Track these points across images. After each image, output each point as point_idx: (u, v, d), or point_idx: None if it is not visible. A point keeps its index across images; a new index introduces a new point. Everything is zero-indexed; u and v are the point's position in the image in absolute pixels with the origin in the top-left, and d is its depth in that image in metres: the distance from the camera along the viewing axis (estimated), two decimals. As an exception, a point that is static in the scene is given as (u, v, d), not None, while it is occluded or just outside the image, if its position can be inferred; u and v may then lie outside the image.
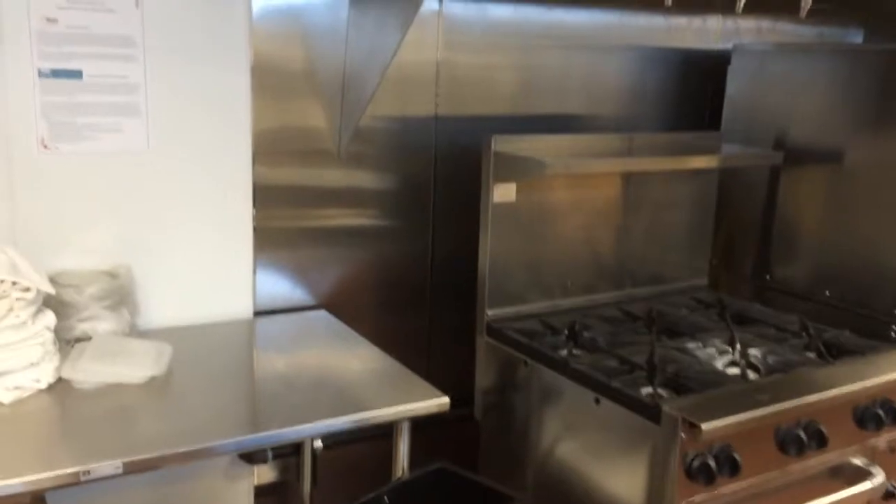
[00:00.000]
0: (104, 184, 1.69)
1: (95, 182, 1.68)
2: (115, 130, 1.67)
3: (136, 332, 1.69)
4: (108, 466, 1.22)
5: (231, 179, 1.82)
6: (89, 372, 1.44)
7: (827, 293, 2.08)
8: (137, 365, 1.48)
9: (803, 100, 2.13)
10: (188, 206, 1.78)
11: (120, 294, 1.62)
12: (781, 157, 2.12)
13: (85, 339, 1.56)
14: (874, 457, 1.76)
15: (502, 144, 1.89)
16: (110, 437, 1.30)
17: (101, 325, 1.58)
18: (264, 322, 1.89)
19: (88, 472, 1.20)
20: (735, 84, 2.30)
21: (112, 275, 1.64)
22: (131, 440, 1.29)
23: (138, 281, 1.72)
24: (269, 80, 1.84)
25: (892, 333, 1.93)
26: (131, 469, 1.23)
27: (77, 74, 1.63)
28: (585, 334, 1.88)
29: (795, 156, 2.13)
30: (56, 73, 1.61)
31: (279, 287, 1.95)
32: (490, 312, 1.95)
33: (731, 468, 1.50)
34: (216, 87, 1.76)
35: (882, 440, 1.77)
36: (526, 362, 1.81)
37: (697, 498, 1.51)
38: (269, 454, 1.89)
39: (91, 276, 1.62)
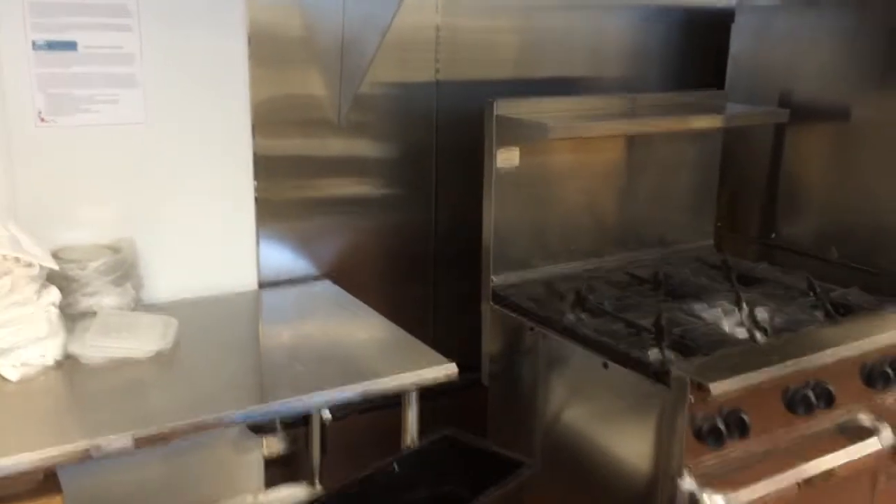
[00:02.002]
0: (103, 157, 1.67)
1: (94, 155, 1.67)
2: (111, 102, 1.65)
3: (140, 306, 1.68)
4: (119, 440, 1.22)
5: (231, 150, 1.80)
6: (96, 347, 1.43)
7: (834, 251, 2.07)
8: (144, 339, 1.48)
9: (808, 56, 2.10)
10: (188, 177, 1.77)
11: (123, 268, 1.61)
12: (787, 114, 2.10)
13: (90, 314, 1.56)
14: (882, 414, 1.76)
15: (504, 108, 1.86)
16: (119, 411, 1.30)
17: (106, 299, 1.57)
18: (269, 294, 1.88)
19: (99, 446, 1.20)
20: (739, 42, 2.27)
21: (115, 249, 1.63)
22: (140, 414, 1.29)
23: (141, 255, 1.71)
24: (266, 49, 1.81)
25: (900, 291, 1.92)
26: (142, 443, 1.23)
27: (72, 46, 1.61)
28: (591, 298, 1.87)
29: (801, 113, 2.11)
30: (51, 45, 1.58)
31: (283, 258, 1.94)
32: (495, 279, 1.94)
33: (740, 429, 1.50)
34: (212, 56, 1.74)
35: (890, 398, 1.77)
36: (532, 328, 1.81)
37: (707, 459, 1.51)
38: (278, 425, 1.90)
39: (94, 250, 1.61)
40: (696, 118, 2.06)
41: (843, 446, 1.65)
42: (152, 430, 1.24)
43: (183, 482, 1.84)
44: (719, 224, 2.33)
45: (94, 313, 1.55)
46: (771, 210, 2.22)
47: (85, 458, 1.20)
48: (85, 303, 1.56)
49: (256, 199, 1.86)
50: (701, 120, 2.08)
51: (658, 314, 1.75)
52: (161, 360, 1.48)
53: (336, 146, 1.95)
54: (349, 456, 1.87)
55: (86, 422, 1.28)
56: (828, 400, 1.61)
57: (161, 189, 1.74)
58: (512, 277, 1.97)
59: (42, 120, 1.60)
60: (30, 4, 1.54)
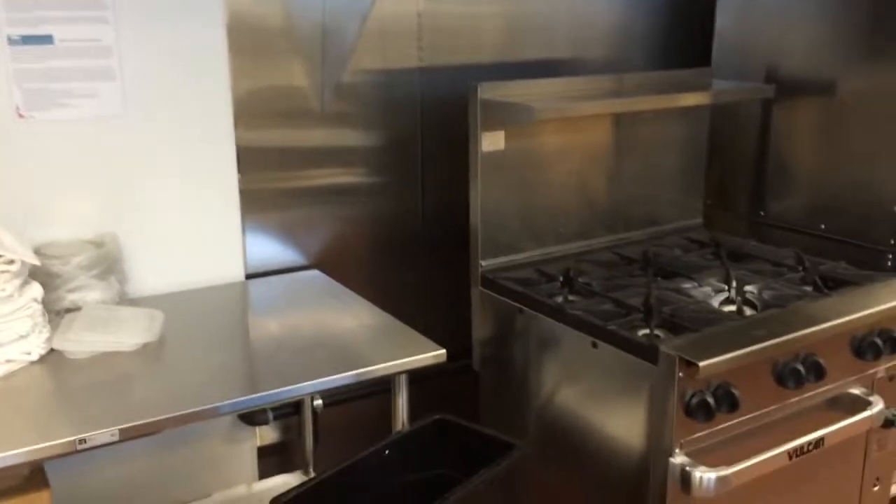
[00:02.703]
0: (83, 151, 1.66)
1: (74, 150, 1.65)
2: (90, 96, 1.64)
3: (126, 300, 1.68)
4: (105, 434, 1.21)
5: (213, 141, 1.79)
6: (81, 342, 1.43)
7: (822, 226, 2.06)
8: (129, 332, 1.47)
9: (794, 31, 2.09)
10: (170, 170, 1.76)
11: (107, 262, 1.60)
12: (773, 90, 2.09)
13: (74, 309, 1.55)
14: (873, 386, 1.76)
15: (489, 91, 1.85)
16: (106, 405, 1.30)
17: (90, 294, 1.56)
18: (257, 284, 1.88)
19: (84, 440, 1.19)
20: (724, 18, 2.25)
21: (98, 244, 1.63)
22: (127, 407, 1.29)
23: (125, 249, 1.70)
24: (246, 39, 1.80)
25: (889, 263, 1.92)
26: (127, 435, 1.23)
27: (48, 39, 1.59)
28: (580, 280, 1.87)
29: (787, 89, 2.10)
30: (26, 40, 1.57)
31: (270, 249, 1.94)
32: (484, 263, 1.94)
33: (730, 404, 1.50)
34: (191, 47, 1.72)
35: (881, 369, 1.77)
36: (522, 310, 1.80)
37: (698, 435, 1.51)
38: (270, 415, 1.90)
39: (76, 245, 1.60)
40: (682, 95, 2.05)
41: (835, 419, 1.65)
42: (138, 422, 1.24)
43: (175, 475, 1.84)
44: (708, 202, 2.32)
45: (79, 308, 1.54)
46: (759, 186, 2.21)
47: (71, 452, 1.20)
48: (69, 298, 1.55)
49: (241, 191, 1.85)
50: (688, 97, 2.07)
51: (647, 293, 1.75)
52: (147, 353, 1.47)
53: (320, 136, 1.95)
54: (342, 443, 1.87)
55: (71, 416, 1.27)
56: (818, 373, 1.61)
57: (143, 182, 1.73)
58: (501, 261, 1.96)
59: (20, 115, 1.59)
60: (4, -1, 1.53)
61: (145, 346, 1.47)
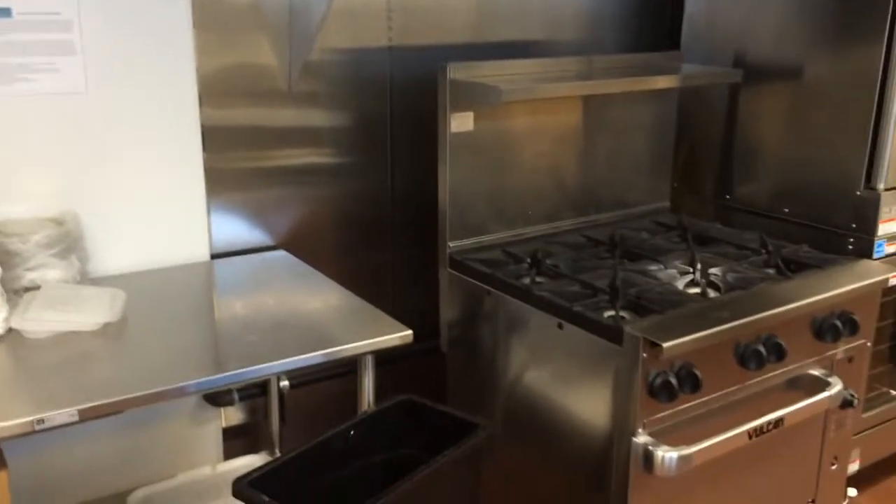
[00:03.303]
0: (43, 127, 1.63)
1: (34, 126, 1.62)
2: (50, 70, 1.60)
3: (87, 279, 1.65)
4: (64, 414, 1.19)
5: (177, 118, 1.76)
6: (40, 321, 1.40)
7: (786, 210, 2.09)
8: (90, 311, 1.45)
9: (762, 16, 2.10)
10: (134, 148, 1.73)
11: (67, 241, 1.58)
12: (740, 74, 2.10)
13: (34, 288, 1.52)
14: (832, 367, 1.80)
15: (458, 72, 1.85)
16: (65, 385, 1.28)
17: (50, 273, 1.54)
18: (222, 264, 1.86)
19: (43, 420, 1.17)
20: (693, 2, 2.26)
21: (58, 222, 1.60)
22: (87, 387, 1.27)
23: (87, 227, 1.68)
24: (211, 16, 1.77)
25: (850, 246, 1.95)
26: (87, 415, 1.21)
27: (6, 13, 1.55)
28: (548, 261, 1.87)
29: (755, 73, 2.12)
30: (-17, 13, 1.53)
31: (236, 229, 1.92)
32: (452, 244, 1.94)
33: (693, 385, 1.52)
34: (155, 23, 1.69)
35: (840, 351, 1.80)
36: (489, 292, 1.81)
37: (661, 416, 1.53)
38: (236, 396, 1.89)
39: (36, 223, 1.57)
40: (651, 79, 2.05)
41: (794, 399, 1.68)
42: (98, 402, 1.22)
43: (140, 456, 1.83)
44: (676, 185, 2.34)
45: (38, 287, 1.52)
46: (726, 171, 2.23)
47: (29, 432, 1.18)
48: (28, 277, 1.53)
49: (207, 170, 1.83)
50: (656, 80, 2.07)
51: (613, 275, 1.76)
52: (109, 332, 1.45)
53: (287, 115, 1.92)
54: (309, 424, 1.87)
55: (30, 396, 1.25)
56: (779, 354, 1.64)
57: (105, 160, 1.70)
58: (469, 243, 1.97)
59: (-23, 90, 1.55)
60: (-42, -31, 1.49)
61: (106, 325, 1.45)
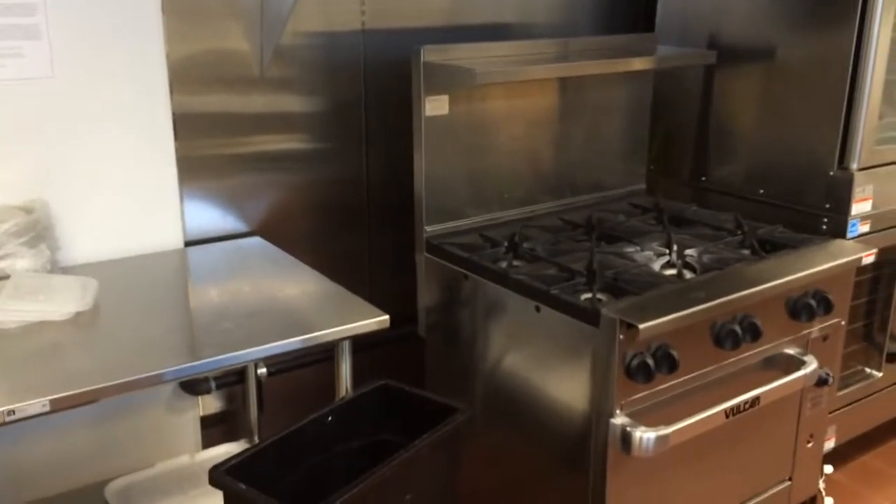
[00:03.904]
0: (9, 113, 1.60)
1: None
2: (15, 55, 1.57)
3: (58, 268, 1.62)
4: (35, 405, 1.18)
5: (147, 106, 1.74)
6: (9, 311, 1.38)
7: (761, 191, 2.10)
8: (61, 301, 1.43)
9: (736, -3, 2.11)
10: (103, 135, 1.70)
11: (37, 229, 1.55)
12: (714, 56, 2.11)
13: (3, 277, 1.50)
14: (807, 346, 1.82)
15: (432, 55, 1.83)
16: (37, 375, 1.26)
17: (20, 262, 1.51)
18: (196, 251, 1.84)
19: (13, 411, 1.16)
20: (668, -16, 2.26)
21: (27, 210, 1.57)
22: (59, 377, 1.25)
23: (57, 215, 1.65)
24: (181, 1, 1.74)
25: (824, 226, 1.97)
26: (60, 406, 1.19)
27: (-33, -4, 1.52)
28: (525, 245, 1.87)
29: (729, 55, 2.12)
30: (-57, -4, 1.49)
31: (210, 216, 1.90)
32: (428, 229, 1.93)
33: (669, 365, 1.52)
34: (123, 6, 1.66)
35: (815, 330, 1.82)
36: (466, 276, 1.80)
37: (637, 396, 1.54)
38: (213, 384, 1.87)
39: (4, 211, 1.55)
40: (626, 60, 2.05)
41: (770, 378, 1.69)
42: (70, 392, 1.20)
43: (117, 446, 1.81)
44: (652, 168, 2.34)
45: (7, 277, 1.49)
46: (701, 153, 2.24)
47: (0, 424, 1.16)
48: (-3, 266, 1.50)
49: (179, 158, 1.80)
50: (632, 62, 2.07)
51: (590, 258, 1.76)
52: (80, 322, 1.43)
53: (260, 101, 1.90)
54: (287, 412, 1.86)
55: (0, 388, 1.23)
56: (754, 334, 1.65)
57: (75, 147, 1.67)
58: (445, 227, 1.96)
59: (-61, 76, 1.52)
60: (-83, -49, 1.45)
61: (78, 315, 1.43)
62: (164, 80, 1.74)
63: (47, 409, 1.18)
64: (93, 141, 1.69)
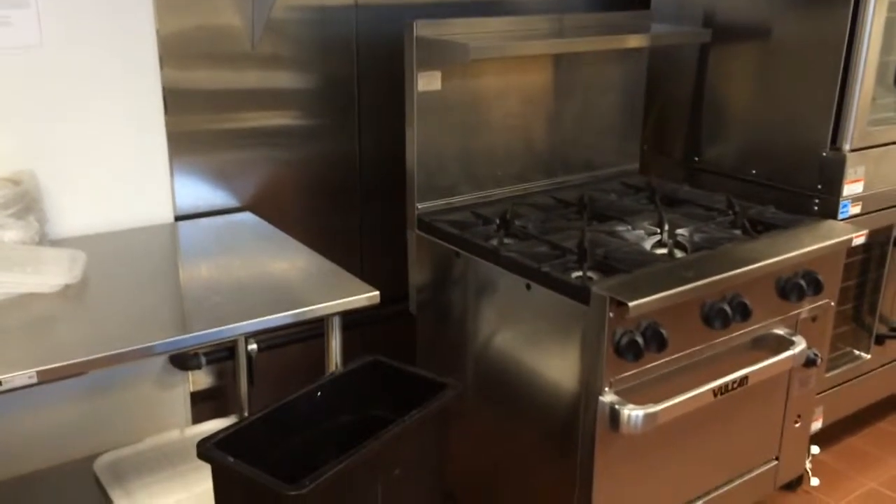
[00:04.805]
0: (-4, 83, 1.58)
1: (-14, 82, 1.57)
2: (3, 24, 1.55)
3: (46, 241, 1.61)
4: (22, 376, 1.17)
5: (137, 78, 1.72)
6: (-3, 283, 1.37)
7: (753, 171, 2.10)
8: (49, 273, 1.42)
9: (731, -24, 2.09)
10: (92, 107, 1.68)
11: (25, 201, 1.53)
12: (709, 34, 2.09)
13: (-10, 249, 1.49)
14: (796, 326, 1.82)
15: (425, 29, 1.81)
16: (24, 347, 1.25)
17: (7, 234, 1.49)
18: (187, 226, 1.83)
19: (0, 382, 1.15)
20: (664, -39, 2.24)
21: (14, 181, 1.56)
22: (47, 349, 1.25)
23: (45, 187, 1.64)
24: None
25: (815, 207, 1.97)
26: (47, 377, 1.19)
27: (-48, -37, 1.49)
28: (517, 223, 1.87)
29: (723, 34, 2.11)
30: (-71, -37, 1.47)
31: (201, 190, 1.89)
32: (420, 206, 1.92)
33: (659, 344, 1.53)
34: (112, -25, 1.64)
35: (804, 310, 1.83)
36: (458, 253, 1.80)
37: (627, 374, 1.55)
38: (203, 359, 1.87)
39: (-9, 183, 1.53)
40: (621, 37, 2.04)
41: (759, 358, 1.70)
42: (58, 364, 1.20)
43: (106, 421, 1.81)
44: (645, 147, 2.34)
45: (-5, 248, 1.48)
46: (695, 133, 2.24)
47: (-14, 395, 1.15)
48: (-16, 238, 1.49)
49: (170, 132, 1.79)
50: (627, 39, 2.06)
51: (582, 236, 1.76)
52: (69, 294, 1.42)
53: (251, 77, 1.89)
54: (278, 387, 1.86)
55: (-13, 359, 1.22)
56: (744, 313, 1.65)
57: (63, 118, 1.66)
58: (437, 204, 1.95)
59: (-75, 44, 1.49)
60: None
61: (66, 287, 1.42)
62: (154, 53, 1.72)
63: (34, 380, 1.18)
64: (82, 113, 1.67)
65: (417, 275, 1.95)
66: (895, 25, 1.94)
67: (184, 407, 1.92)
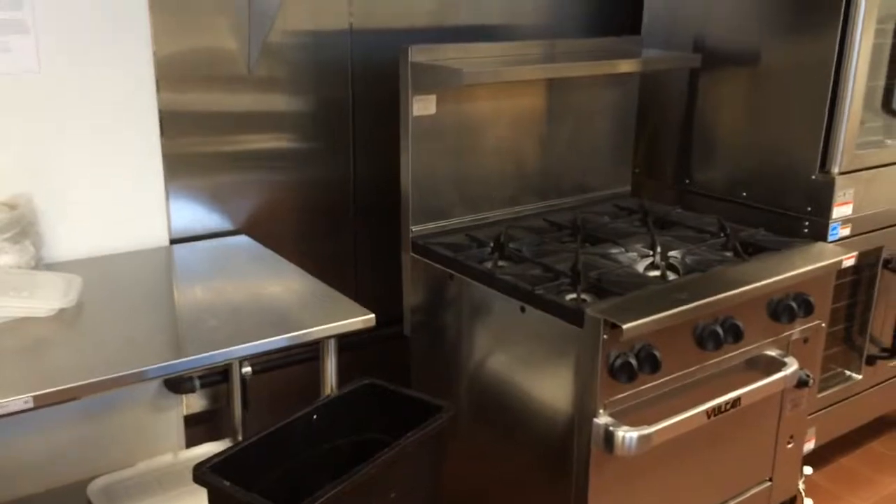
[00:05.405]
0: (-6, 108, 1.59)
1: (-16, 107, 1.58)
2: (2, 50, 1.56)
3: (42, 265, 1.62)
4: (18, 401, 1.17)
5: (134, 103, 1.73)
6: (-8, 307, 1.37)
7: (744, 194, 2.12)
8: (45, 297, 1.42)
9: (720, 1, 2.12)
10: (90, 131, 1.69)
11: (21, 225, 1.54)
12: (699, 59, 2.12)
13: (-14, 273, 1.49)
14: (788, 347, 1.84)
15: (420, 55, 1.84)
16: (19, 371, 1.25)
17: (3, 258, 1.50)
18: (182, 249, 1.83)
19: (-5, 407, 1.15)
20: (654, -13, 2.28)
21: (11, 205, 1.56)
22: (43, 374, 1.25)
23: (42, 212, 1.64)
24: (168, -1, 1.74)
25: (805, 229, 1.99)
26: (43, 402, 1.19)
27: (-48, -9, 1.51)
28: (511, 245, 1.88)
29: (713, 59, 2.14)
30: (-72, -10, 1.48)
31: (196, 213, 1.89)
32: (415, 228, 1.93)
33: (652, 365, 1.54)
34: (110, 1, 1.66)
35: (795, 331, 1.84)
36: (452, 276, 1.81)
37: (620, 396, 1.55)
38: (197, 383, 1.87)
39: (-13, 207, 1.54)
40: (613, 62, 2.06)
41: (751, 379, 1.71)
42: (53, 388, 1.20)
43: (99, 445, 1.81)
44: (637, 170, 2.36)
45: (-9, 273, 1.48)
46: (686, 156, 2.26)
47: (-18, 420, 1.15)
48: (-20, 262, 1.49)
49: (165, 155, 1.80)
50: (618, 64, 2.08)
51: (575, 258, 1.77)
52: (64, 318, 1.43)
53: (247, 100, 1.90)
54: (272, 410, 1.87)
55: (-18, 384, 1.22)
56: (736, 335, 1.67)
57: (60, 143, 1.66)
58: (432, 227, 1.96)
59: (-76, 70, 1.50)
60: None
61: (62, 311, 1.43)
62: (151, 76, 1.74)
63: (30, 405, 1.18)
64: (79, 137, 1.68)
65: (412, 297, 1.95)
66: (882, 51, 1.98)
67: (177, 430, 1.91)
